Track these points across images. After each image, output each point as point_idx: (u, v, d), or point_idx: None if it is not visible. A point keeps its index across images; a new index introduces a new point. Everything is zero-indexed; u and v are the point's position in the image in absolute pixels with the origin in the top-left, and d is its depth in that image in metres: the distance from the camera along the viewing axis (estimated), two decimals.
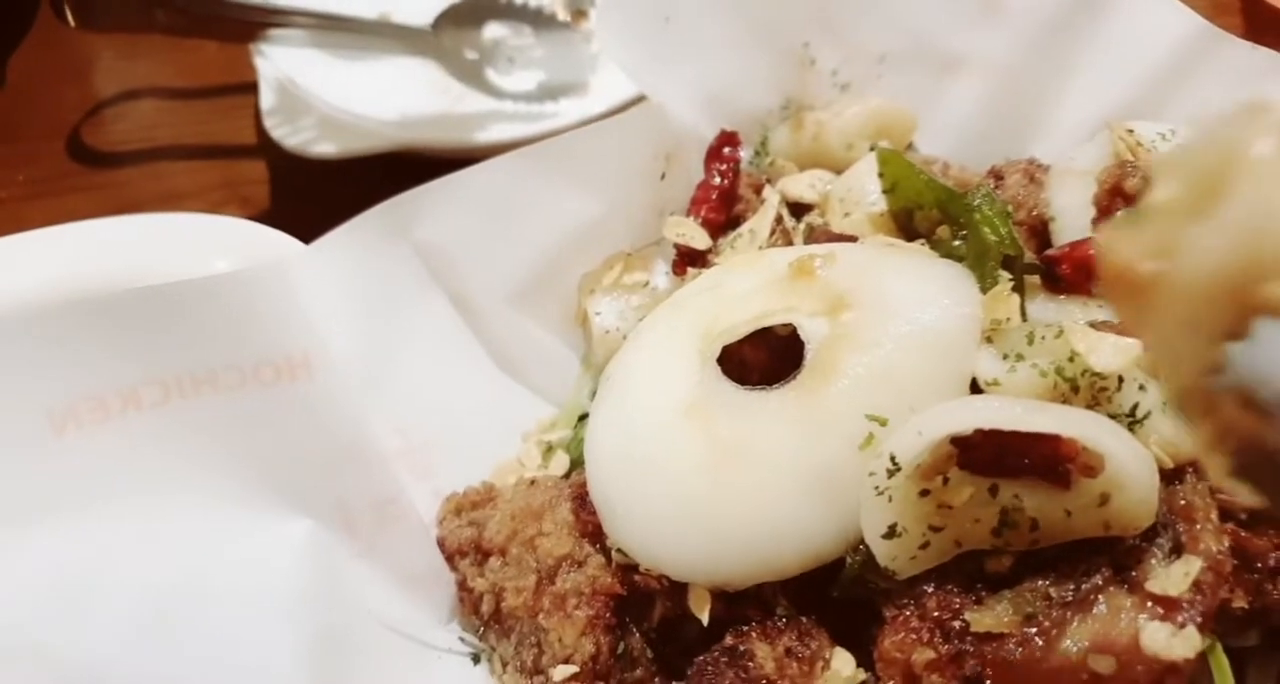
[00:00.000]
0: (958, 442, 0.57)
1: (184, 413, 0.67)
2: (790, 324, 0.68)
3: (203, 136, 1.24)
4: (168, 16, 1.09)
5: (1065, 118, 0.95)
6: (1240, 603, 0.58)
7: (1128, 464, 0.55)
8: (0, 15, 1.36)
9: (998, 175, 0.83)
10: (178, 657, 0.63)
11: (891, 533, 0.58)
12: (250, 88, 1.25)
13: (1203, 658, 0.56)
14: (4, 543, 0.60)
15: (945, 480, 0.58)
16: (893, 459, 0.57)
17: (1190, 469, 0.60)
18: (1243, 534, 0.60)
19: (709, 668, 0.63)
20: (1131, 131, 0.77)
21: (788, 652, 0.63)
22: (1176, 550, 0.56)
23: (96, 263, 0.74)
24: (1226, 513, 0.60)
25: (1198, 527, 0.57)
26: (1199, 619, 0.54)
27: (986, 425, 0.54)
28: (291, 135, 1.08)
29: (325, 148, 1.08)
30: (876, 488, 0.57)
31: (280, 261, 0.71)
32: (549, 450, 0.86)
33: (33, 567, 0.61)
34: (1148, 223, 0.40)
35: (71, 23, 1.09)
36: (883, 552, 0.58)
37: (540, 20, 1.12)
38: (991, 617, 0.57)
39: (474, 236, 0.83)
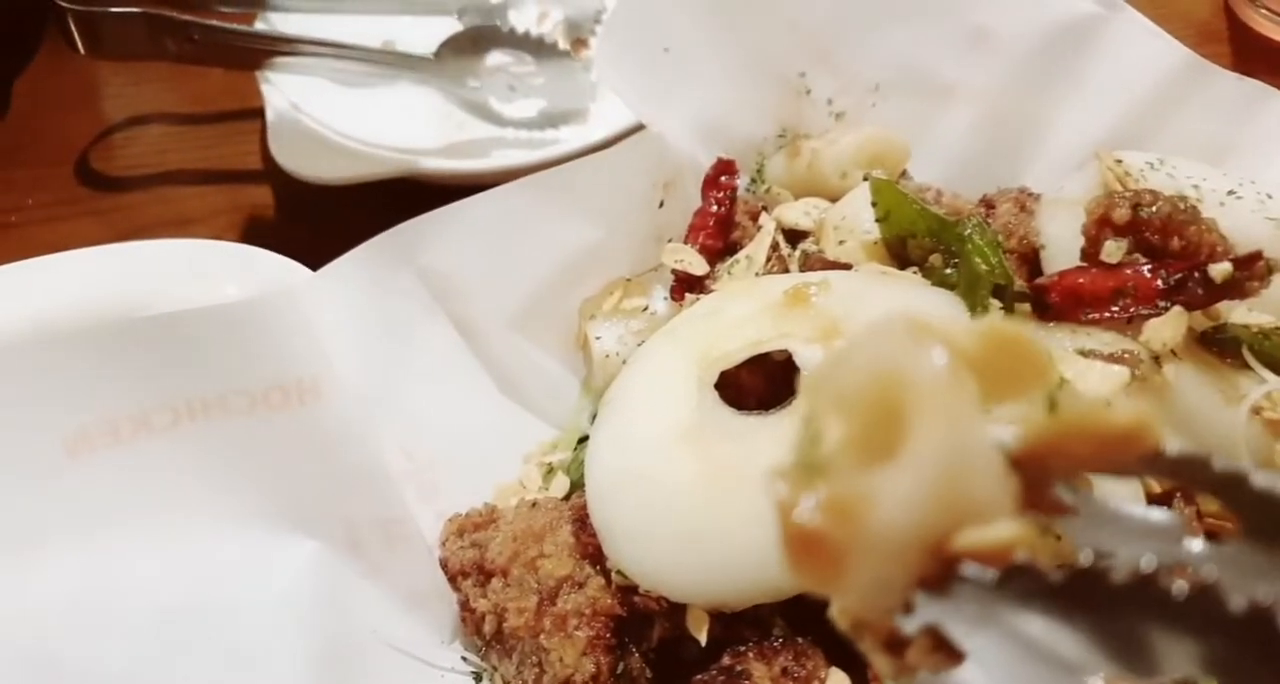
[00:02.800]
0: None
1: (194, 436, 0.68)
2: (779, 348, 0.70)
3: (209, 161, 1.26)
4: (177, 44, 1.11)
5: (1055, 145, 0.97)
6: None
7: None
8: (6, 39, 1.38)
9: (989, 204, 0.84)
10: (188, 675, 0.64)
11: None
12: (256, 113, 1.27)
13: None
14: (21, 564, 0.62)
15: None
16: None
17: (1177, 494, 0.62)
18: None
19: None
20: (1120, 161, 0.79)
21: (784, 672, 0.65)
22: None
23: (109, 287, 0.76)
24: (1212, 536, 0.62)
25: None
26: None
27: None
28: (297, 161, 1.10)
29: (330, 173, 1.10)
30: None
31: (289, 288, 0.73)
32: (550, 472, 0.87)
33: (48, 587, 0.62)
34: (820, 473, 0.32)
35: (80, 50, 1.11)
36: None
37: (541, 49, 1.14)
38: None
39: (477, 263, 0.85)
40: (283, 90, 1.15)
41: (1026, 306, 0.71)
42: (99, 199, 1.23)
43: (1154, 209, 0.69)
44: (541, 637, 0.71)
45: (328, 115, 1.16)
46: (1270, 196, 0.79)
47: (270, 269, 0.81)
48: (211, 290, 0.78)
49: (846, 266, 0.78)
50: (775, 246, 0.87)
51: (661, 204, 0.92)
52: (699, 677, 0.66)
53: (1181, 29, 1.20)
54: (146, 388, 0.67)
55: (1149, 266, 0.68)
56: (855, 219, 0.83)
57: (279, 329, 0.71)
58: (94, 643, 0.62)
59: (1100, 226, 0.71)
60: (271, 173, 1.22)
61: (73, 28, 1.10)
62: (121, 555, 0.65)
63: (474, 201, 0.83)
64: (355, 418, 0.74)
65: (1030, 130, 0.98)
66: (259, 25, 1.22)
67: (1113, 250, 0.69)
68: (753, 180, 1.00)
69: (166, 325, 0.67)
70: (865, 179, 0.84)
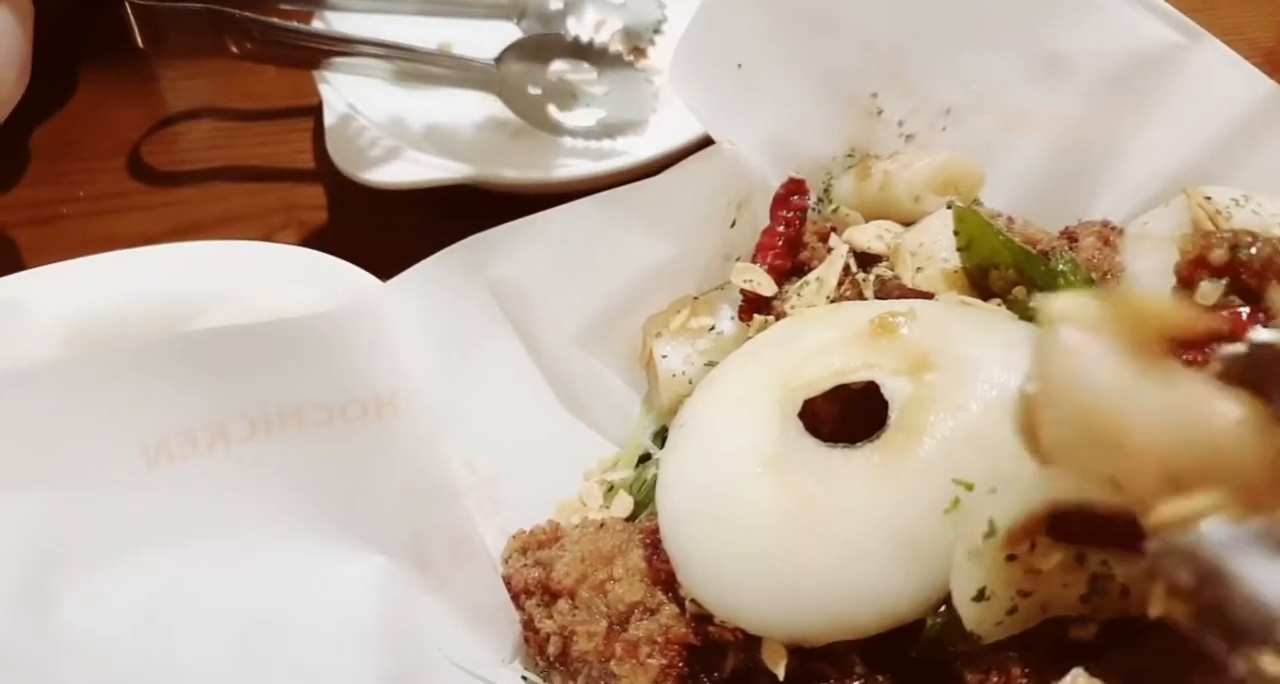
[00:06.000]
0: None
1: (270, 448, 0.67)
2: (864, 379, 0.69)
3: (262, 158, 1.25)
4: (237, 42, 1.10)
5: (1129, 175, 0.96)
6: None
7: None
8: (68, 25, 1.37)
9: (1071, 236, 0.83)
10: None
11: (980, 596, 0.58)
12: (309, 111, 1.27)
13: None
14: (98, 577, 0.61)
15: (1032, 546, 0.58)
16: (991, 525, 0.57)
17: None
18: None
19: None
20: (1209, 199, 0.78)
21: None
22: None
23: (179, 287, 0.75)
24: None
25: None
26: None
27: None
28: (354, 165, 1.09)
29: (387, 178, 1.09)
30: (969, 552, 0.58)
31: (366, 300, 0.72)
32: (610, 490, 0.86)
33: (123, 600, 0.61)
34: None
35: (140, 44, 1.10)
36: (970, 615, 0.59)
37: (604, 58, 1.13)
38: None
39: (548, 277, 0.84)
40: (341, 92, 1.14)
41: None
42: (150, 194, 1.22)
43: (1253, 251, 0.68)
44: (612, 663, 0.69)
45: (386, 118, 1.15)
46: None
47: (340, 277, 0.81)
48: (283, 295, 0.78)
49: (928, 295, 0.77)
50: (848, 269, 0.86)
51: (733, 224, 0.91)
52: None
53: (1248, 57, 1.19)
54: (225, 398, 0.66)
55: (1246, 310, 0.67)
56: (933, 246, 0.82)
57: (358, 341, 0.70)
58: (166, 656, 0.62)
59: (1195, 267, 0.69)
60: (323, 173, 1.22)
61: (133, 22, 1.09)
62: (195, 567, 0.64)
63: (547, 216, 0.82)
64: (429, 433, 0.73)
65: (1104, 159, 0.96)
66: (316, 24, 1.21)
67: (1209, 291, 0.68)
68: (819, 200, 0.99)
69: (246, 335, 0.66)
70: (949, 207, 0.83)
